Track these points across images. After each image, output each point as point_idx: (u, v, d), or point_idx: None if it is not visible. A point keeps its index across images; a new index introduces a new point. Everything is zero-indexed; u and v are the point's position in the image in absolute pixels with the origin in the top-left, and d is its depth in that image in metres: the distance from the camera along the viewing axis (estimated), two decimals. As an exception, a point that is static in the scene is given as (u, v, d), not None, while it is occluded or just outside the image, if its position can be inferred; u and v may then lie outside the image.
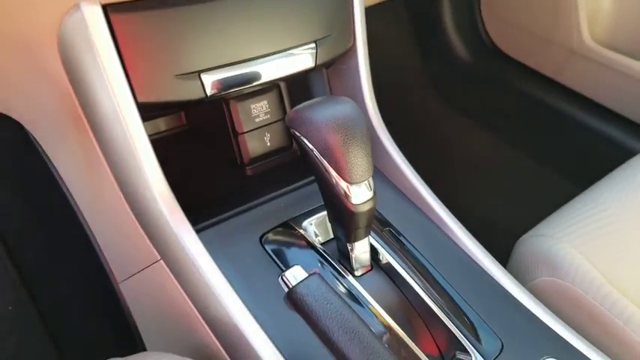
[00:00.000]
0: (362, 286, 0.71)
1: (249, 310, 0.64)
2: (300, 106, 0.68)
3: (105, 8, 0.64)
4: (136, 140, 0.67)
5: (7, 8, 0.65)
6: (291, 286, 0.57)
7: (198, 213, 0.74)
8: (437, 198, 0.83)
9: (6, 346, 0.99)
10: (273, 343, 0.62)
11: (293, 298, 0.56)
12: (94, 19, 0.63)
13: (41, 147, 0.80)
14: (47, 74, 0.70)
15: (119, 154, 0.69)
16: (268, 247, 0.73)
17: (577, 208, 0.88)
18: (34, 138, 0.79)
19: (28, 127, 0.78)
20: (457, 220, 0.81)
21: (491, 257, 0.78)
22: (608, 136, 1.35)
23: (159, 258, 0.71)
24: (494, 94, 1.60)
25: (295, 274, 0.58)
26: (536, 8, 1.45)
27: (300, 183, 0.83)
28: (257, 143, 0.86)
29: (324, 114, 0.64)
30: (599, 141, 1.37)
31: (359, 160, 0.63)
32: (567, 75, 1.45)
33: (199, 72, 0.71)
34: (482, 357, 0.66)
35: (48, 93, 0.72)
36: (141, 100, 0.67)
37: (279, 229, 0.76)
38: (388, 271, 0.74)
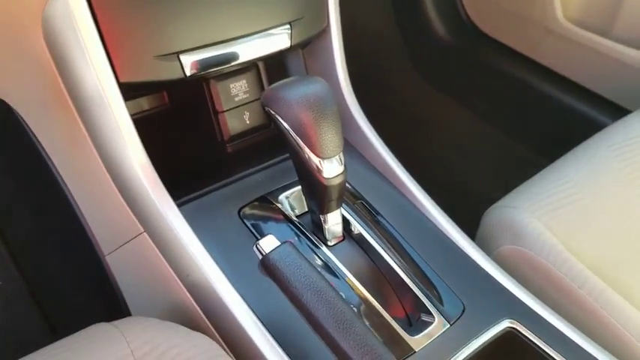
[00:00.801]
0: (334, 255, 0.76)
1: (227, 276, 0.68)
2: (274, 85, 0.72)
3: (86, -9, 0.67)
4: (119, 118, 0.71)
5: (-9, -9, 0.67)
6: (264, 254, 0.61)
7: (180, 188, 0.78)
8: (407, 172, 0.87)
9: (-2, 320, 1.03)
10: (248, 305, 0.66)
11: (266, 265, 0.61)
12: (76, 1, 0.66)
13: (27, 125, 0.83)
14: (31, 55, 0.73)
15: (102, 132, 0.72)
16: (246, 220, 0.77)
17: (541, 181, 0.93)
18: (21, 117, 0.82)
19: (14, 105, 0.81)
20: (426, 193, 0.86)
21: (457, 227, 0.83)
22: (580, 112, 1.39)
23: (142, 230, 0.75)
24: (472, 72, 1.63)
25: (269, 243, 0.63)
26: (513, -13, 1.48)
27: (277, 159, 0.87)
28: (236, 121, 0.90)
29: (296, 93, 0.68)
30: (572, 116, 1.41)
31: (329, 137, 0.67)
32: (543, 53, 1.48)
33: (178, 53, 0.74)
34: (445, 318, 0.71)
35: (32, 73, 0.75)
36: (122, 79, 0.71)
37: (257, 202, 0.80)
38: (359, 241, 0.79)
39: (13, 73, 0.78)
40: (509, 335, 0.71)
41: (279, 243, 0.62)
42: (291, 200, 0.82)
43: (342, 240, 0.78)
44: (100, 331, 0.62)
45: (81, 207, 0.84)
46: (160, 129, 0.91)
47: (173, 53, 0.74)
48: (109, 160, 0.75)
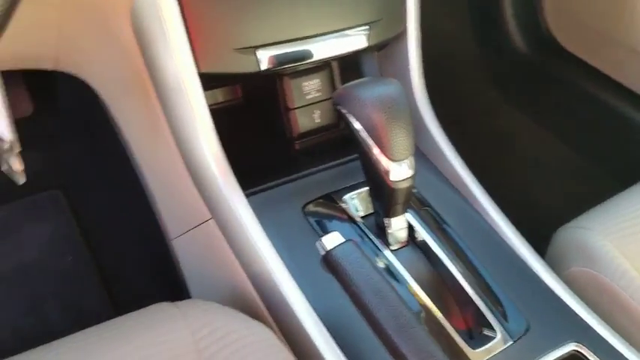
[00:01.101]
0: (397, 259, 0.75)
1: (288, 269, 0.69)
2: (348, 84, 0.73)
3: (176, -17, 0.69)
4: (196, 107, 0.73)
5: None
6: (327, 250, 0.61)
7: (248, 180, 0.79)
8: (478, 183, 0.85)
9: (65, 294, 1.08)
10: (308, 300, 0.67)
11: (328, 261, 0.60)
12: (165, -8, 0.69)
13: (108, 108, 0.86)
14: (119, 42, 0.76)
15: (179, 119, 0.75)
16: (309, 217, 0.78)
17: (617, 203, 0.89)
18: (103, 99, 0.86)
19: (97, 89, 0.85)
20: (497, 207, 0.83)
21: (527, 244, 0.80)
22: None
23: (210, 217, 0.76)
24: (550, 89, 1.58)
25: (332, 240, 0.62)
26: (598, 3, 1.43)
27: (345, 159, 0.87)
28: (306, 119, 0.90)
29: (369, 93, 0.69)
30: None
31: (400, 139, 0.67)
32: (626, 74, 1.42)
33: (255, 47, 0.76)
34: (508, 334, 0.68)
35: (118, 59, 0.78)
36: (202, 70, 0.73)
37: (321, 200, 0.80)
38: (423, 248, 0.77)
39: (99, 58, 0.81)
40: (574, 359, 0.67)
41: (344, 240, 0.62)
42: (356, 201, 0.81)
43: (406, 245, 0.77)
44: (161, 309, 0.63)
45: (152, 190, 0.87)
46: (232, 121, 0.93)
47: (250, 47, 0.75)
48: (184, 146, 0.77)
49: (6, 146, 0.63)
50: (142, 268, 1.04)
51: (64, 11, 0.74)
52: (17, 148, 0.64)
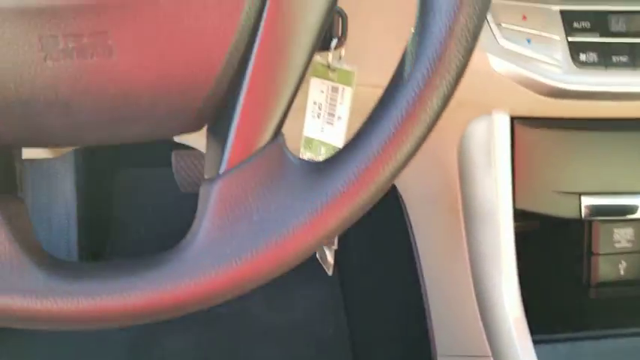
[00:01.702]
0: None
1: None
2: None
3: (512, 120, 0.71)
4: (503, 240, 0.72)
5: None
6: None
7: (534, 323, 0.75)
8: None
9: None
10: None
11: None
12: (501, 128, 0.70)
13: (408, 214, 0.91)
14: (440, 161, 0.80)
15: (483, 245, 0.75)
16: (603, 387, 0.70)
17: None
18: (405, 205, 0.91)
19: (404, 195, 0.90)
20: None
21: None
22: None
23: (489, 355, 0.74)
24: None
25: None
26: None
27: None
28: (610, 268, 0.83)
29: None
30: None
31: None
32: None
33: (580, 194, 0.72)
34: None
35: (435, 175, 0.82)
36: (518, 206, 0.72)
37: None
38: None
39: (417, 172, 0.86)
40: None
41: None
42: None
43: None
44: None
45: (430, 300, 0.88)
46: (523, 251, 0.90)
47: (575, 193, 0.73)
48: (479, 272, 0.76)
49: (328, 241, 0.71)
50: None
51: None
52: (334, 246, 0.71)
